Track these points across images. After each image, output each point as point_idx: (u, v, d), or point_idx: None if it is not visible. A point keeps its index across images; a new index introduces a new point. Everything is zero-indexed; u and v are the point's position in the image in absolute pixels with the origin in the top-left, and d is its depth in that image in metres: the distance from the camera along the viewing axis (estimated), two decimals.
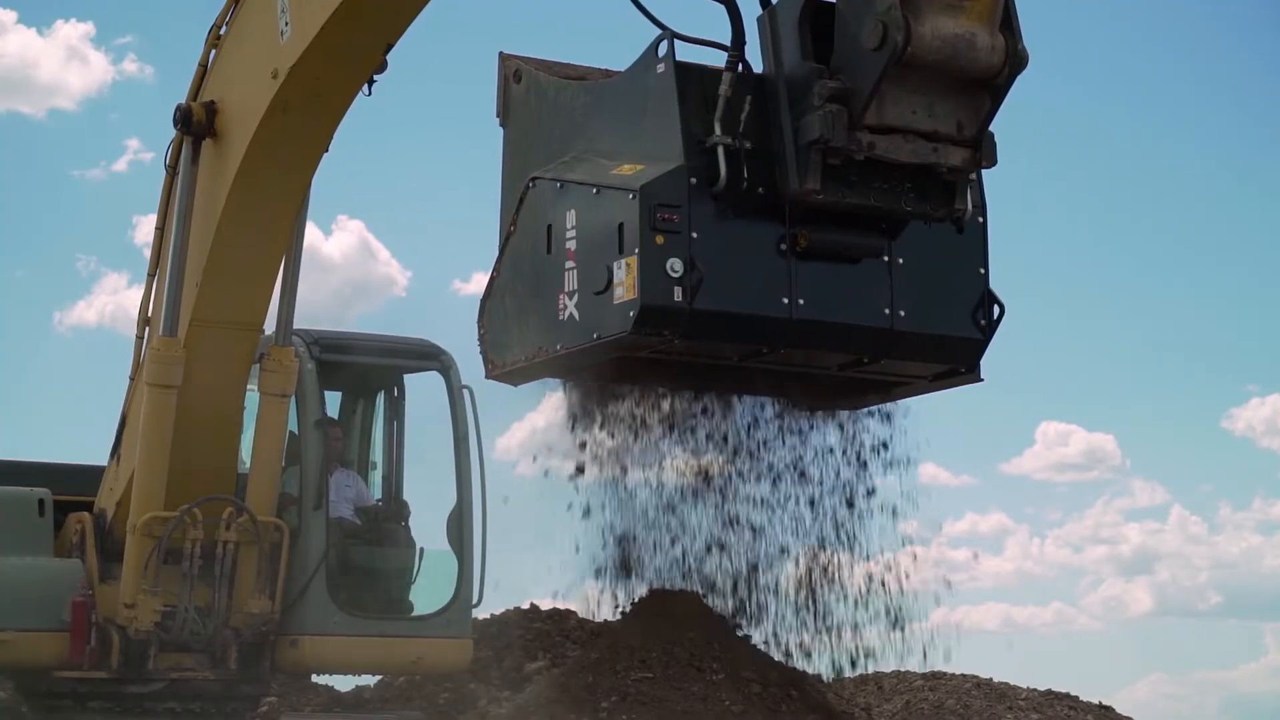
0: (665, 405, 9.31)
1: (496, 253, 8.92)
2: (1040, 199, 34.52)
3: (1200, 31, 35.30)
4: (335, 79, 10.52)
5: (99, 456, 12.53)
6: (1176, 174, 35.90)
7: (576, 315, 8.23)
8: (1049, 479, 34.66)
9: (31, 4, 34.10)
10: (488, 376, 8.93)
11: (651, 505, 10.20)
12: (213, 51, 11.50)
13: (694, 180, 7.99)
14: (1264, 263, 34.68)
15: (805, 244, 8.18)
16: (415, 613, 12.73)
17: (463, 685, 13.79)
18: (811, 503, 9.66)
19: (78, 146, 34.31)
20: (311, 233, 12.95)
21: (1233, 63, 35.10)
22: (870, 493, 9.61)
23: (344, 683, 12.92)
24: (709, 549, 10.30)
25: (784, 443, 9.51)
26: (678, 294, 7.86)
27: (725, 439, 9.44)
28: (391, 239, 37.78)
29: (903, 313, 8.42)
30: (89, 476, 12.55)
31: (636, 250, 7.87)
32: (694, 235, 7.94)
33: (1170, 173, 35.96)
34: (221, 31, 11.40)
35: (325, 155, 11.21)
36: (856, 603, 9.81)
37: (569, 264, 8.30)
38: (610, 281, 8.00)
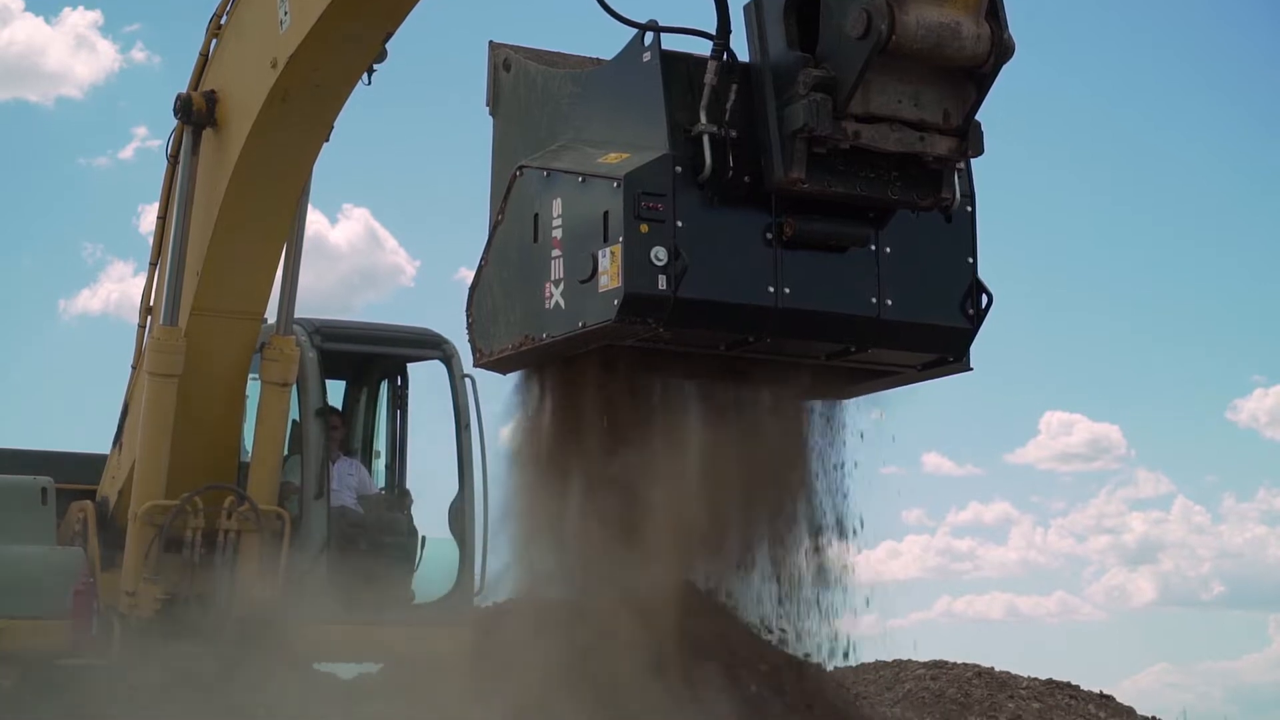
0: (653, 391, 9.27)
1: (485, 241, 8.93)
2: (1047, 189, 34.52)
3: (1202, 18, 35.13)
4: (334, 68, 10.56)
5: (102, 445, 12.63)
6: (1181, 164, 35.80)
7: (562, 304, 8.23)
8: (1053, 469, 34.74)
9: None
10: (475, 365, 8.94)
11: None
12: (213, 41, 11.55)
13: (679, 169, 7.97)
14: (1269, 254, 34.62)
15: (791, 233, 8.14)
16: (417, 601, 12.77)
17: (464, 673, 13.77)
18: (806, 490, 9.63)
19: (85, 134, 34.49)
20: (318, 221, 13.01)
21: (1238, 48, 34.94)
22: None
23: (346, 670, 12.92)
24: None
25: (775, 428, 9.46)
26: (662, 282, 7.85)
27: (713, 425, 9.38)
28: (399, 228, 37.79)
29: (890, 302, 8.39)
30: (92, 465, 12.63)
31: (621, 239, 7.86)
32: (679, 224, 7.92)
33: (1175, 163, 35.89)
34: (222, 21, 11.45)
35: (327, 144, 11.26)
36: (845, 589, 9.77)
37: (555, 252, 8.29)
38: (595, 270, 7.98)
